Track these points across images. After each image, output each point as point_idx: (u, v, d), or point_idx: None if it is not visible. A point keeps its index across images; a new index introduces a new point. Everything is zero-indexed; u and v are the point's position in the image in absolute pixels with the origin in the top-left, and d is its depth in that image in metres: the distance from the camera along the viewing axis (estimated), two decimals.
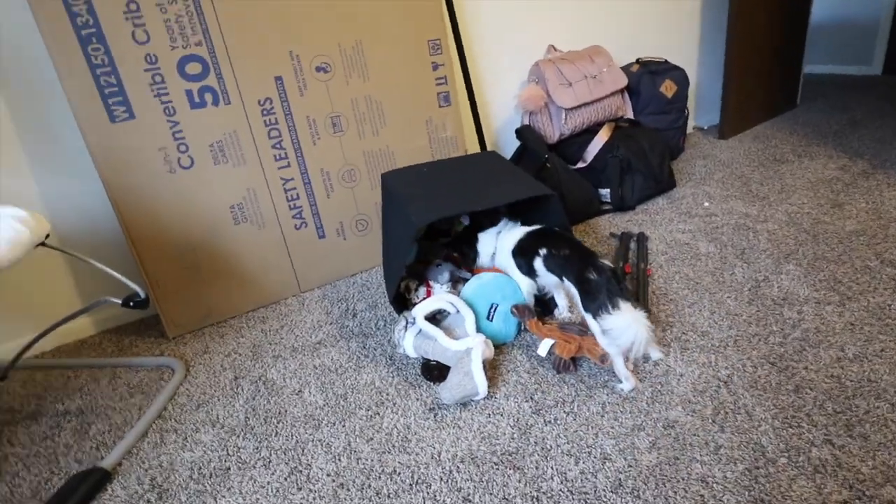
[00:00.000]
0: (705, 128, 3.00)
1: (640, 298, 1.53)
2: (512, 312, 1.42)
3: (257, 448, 1.22)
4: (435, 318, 1.44)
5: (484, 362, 1.28)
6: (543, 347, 1.32)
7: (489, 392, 1.28)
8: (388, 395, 1.33)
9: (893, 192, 1.96)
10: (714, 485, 0.98)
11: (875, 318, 1.34)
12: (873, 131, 2.60)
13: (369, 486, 1.08)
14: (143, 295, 1.31)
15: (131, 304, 1.30)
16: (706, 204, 2.08)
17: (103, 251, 1.74)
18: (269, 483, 1.12)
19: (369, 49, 1.76)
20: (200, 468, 1.19)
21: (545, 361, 1.35)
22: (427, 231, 1.89)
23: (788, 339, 1.32)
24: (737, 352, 1.29)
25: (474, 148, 2.23)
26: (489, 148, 2.30)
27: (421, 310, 1.39)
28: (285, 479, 1.12)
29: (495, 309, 1.43)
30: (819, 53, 3.87)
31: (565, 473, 1.05)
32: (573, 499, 1.00)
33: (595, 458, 1.07)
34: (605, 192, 2.18)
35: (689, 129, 2.95)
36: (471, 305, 1.41)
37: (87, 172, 1.64)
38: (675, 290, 1.57)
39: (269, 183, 1.72)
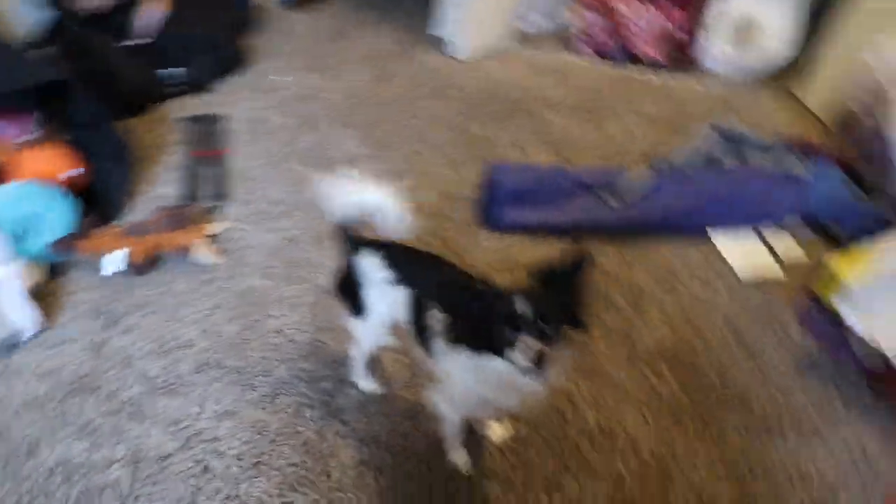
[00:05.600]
0: None
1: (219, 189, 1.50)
2: (53, 252, 1.18)
3: None
4: None
5: (31, 290, 1.08)
6: (111, 264, 1.18)
7: (45, 323, 1.09)
8: None
9: (429, 57, 2.36)
10: (287, 330, 1.14)
11: (407, 163, 1.69)
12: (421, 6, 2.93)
13: None
14: None
15: None
16: (274, 77, 2.09)
17: None
18: None
19: None
20: None
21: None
22: None
23: None
24: (304, 213, 1.44)
25: None
26: None
27: None
28: None
29: (33, 223, 1.17)
30: None
31: (146, 374, 1.04)
32: (158, 394, 1.01)
33: (179, 348, 1.09)
34: (178, 71, 1.95)
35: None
36: None
37: None
38: (254, 167, 1.60)
39: None
